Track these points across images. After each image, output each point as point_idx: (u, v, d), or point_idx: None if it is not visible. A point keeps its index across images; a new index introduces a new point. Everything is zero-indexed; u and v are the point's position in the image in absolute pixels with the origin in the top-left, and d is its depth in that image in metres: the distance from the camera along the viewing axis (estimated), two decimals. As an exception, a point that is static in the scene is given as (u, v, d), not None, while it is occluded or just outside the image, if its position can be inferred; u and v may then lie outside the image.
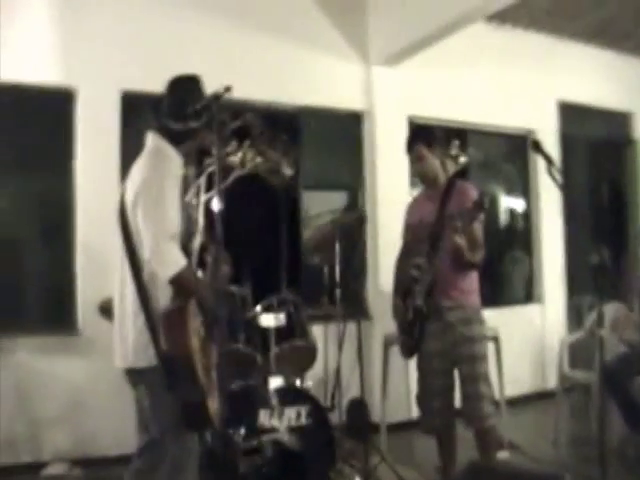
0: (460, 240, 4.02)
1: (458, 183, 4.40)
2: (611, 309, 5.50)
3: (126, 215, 2.95)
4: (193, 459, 3.08)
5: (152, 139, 3.10)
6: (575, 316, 7.39)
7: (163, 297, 2.90)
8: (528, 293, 7.70)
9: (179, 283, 2.85)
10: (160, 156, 3.02)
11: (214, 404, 2.91)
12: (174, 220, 2.89)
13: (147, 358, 2.86)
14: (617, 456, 4.95)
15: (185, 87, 3.10)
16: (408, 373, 4.49)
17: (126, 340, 2.95)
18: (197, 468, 3.11)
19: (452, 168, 6.69)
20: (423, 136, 4.43)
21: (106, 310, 3.27)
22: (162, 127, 3.07)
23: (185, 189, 3.20)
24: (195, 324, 2.89)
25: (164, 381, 2.79)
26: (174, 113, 3.04)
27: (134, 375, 2.99)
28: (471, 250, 4.15)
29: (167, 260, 2.79)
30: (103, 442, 5.23)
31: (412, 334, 4.32)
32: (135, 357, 2.91)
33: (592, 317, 5.91)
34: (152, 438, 3.00)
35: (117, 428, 5.04)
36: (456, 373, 4.31)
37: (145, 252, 2.82)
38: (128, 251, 2.92)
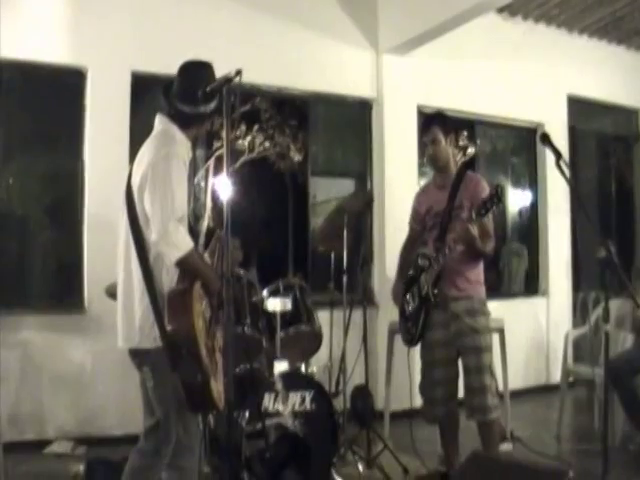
0: (473, 230, 4.01)
1: (469, 173, 4.39)
2: (617, 305, 5.49)
3: (133, 196, 2.94)
4: (197, 441, 3.08)
5: (161, 121, 3.09)
6: (580, 310, 7.37)
7: (168, 279, 2.90)
8: (533, 286, 7.69)
9: (186, 265, 2.85)
10: (168, 139, 3.01)
11: (218, 386, 2.91)
12: (182, 203, 2.89)
13: (152, 339, 2.86)
14: (619, 452, 4.95)
15: (196, 72, 3.08)
16: (412, 362, 4.49)
17: (131, 321, 2.94)
18: (201, 450, 3.12)
19: (460, 159, 6.69)
20: (440, 120, 4.42)
21: (113, 295, 3.26)
22: (172, 110, 3.06)
23: (194, 171, 3.19)
24: (200, 306, 2.89)
25: (168, 362, 2.78)
26: (184, 96, 3.02)
27: (139, 356, 2.99)
28: (482, 241, 4.14)
29: (174, 242, 2.79)
30: (107, 421, 5.25)
31: (416, 323, 4.31)
32: (140, 338, 2.91)
33: (597, 312, 5.90)
34: (157, 420, 2.99)
35: (121, 407, 5.06)
36: (460, 364, 4.30)
37: (152, 234, 2.82)
38: (134, 232, 2.91)
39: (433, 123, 4.40)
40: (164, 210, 2.81)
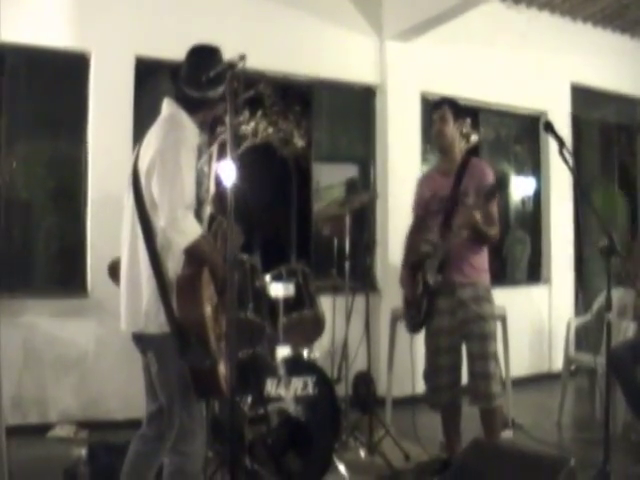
0: (478, 216, 4.02)
1: (474, 160, 4.40)
2: (619, 294, 5.49)
3: (139, 181, 2.92)
4: (200, 426, 3.07)
5: (168, 106, 3.07)
6: (583, 299, 7.38)
7: (175, 265, 2.89)
8: (536, 274, 7.69)
9: (194, 252, 2.85)
10: (176, 124, 2.98)
11: (224, 372, 2.90)
12: (190, 189, 2.88)
13: (158, 324, 2.85)
14: (620, 441, 4.96)
15: (205, 56, 3.05)
16: (414, 348, 4.49)
17: (137, 305, 2.93)
18: (205, 435, 3.12)
19: (464, 146, 6.68)
20: (451, 102, 4.44)
21: (114, 271, 3.25)
22: (179, 95, 3.04)
23: (197, 157, 3.18)
24: (208, 292, 2.88)
25: (175, 348, 2.77)
26: (192, 81, 3.00)
27: (143, 341, 2.98)
28: (486, 227, 4.15)
29: (183, 229, 2.78)
30: (110, 405, 5.26)
31: (420, 309, 4.32)
32: (146, 323, 2.89)
33: (600, 301, 5.90)
34: (160, 405, 2.99)
35: (124, 391, 5.06)
36: (464, 351, 4.31)
37: (160, 220, 2.81)
38: (141, 217, 2.89)
39: (444, 102, 4.43)
40: (173, 197, 2.79)
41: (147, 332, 2.91)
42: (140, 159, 2.97)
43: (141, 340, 2.99)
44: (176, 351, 2.77)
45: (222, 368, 2.88)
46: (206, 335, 2.76)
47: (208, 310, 2.82)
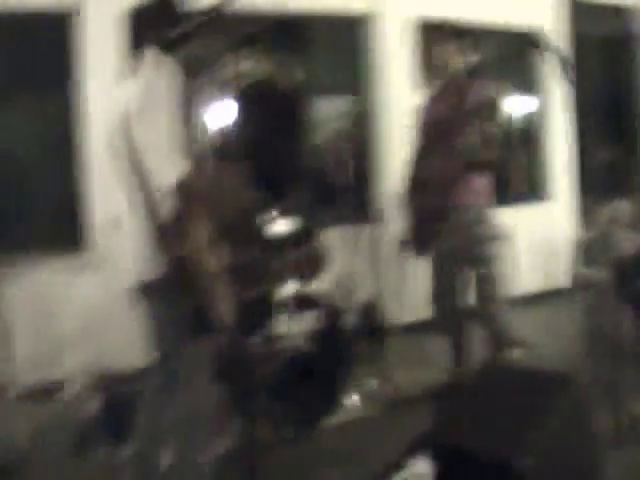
0: (475, 138, 3.99)
1: (472, 81, 4.35)
2: (624, 206, 5.47)
3: (128, 130, 2.92)
4: (207, 368, 3.14)
5: (149, 53, 3.04)
6: (587, 214, 7.37)
7: (170, 206, 2.86)
8: (538, 191, 7.67)
9: (185, 189, 2.84)
10: (156, 69, 2.97)
11: (225, 305, 2.95)
12: (177, 126, 2.86)
13: (156, 269, 2.88)
14: (630, 352, 5.01)
15: None
16: (420, 274, 4.52)
17: (132, 255, 2.99)
18: (210, 378, 3.18)
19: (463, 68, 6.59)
20: (448, 26, 4.40)
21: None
22: (154, 39, 3.02)
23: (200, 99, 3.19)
24: (202, 228, 2.89)
25: (171, 288, 2.82)
26: (164, 21, 3.00)
27: (143, 290, 3.01)
28: (485, 148, 4.13)
29: (174, 167, 2.79)
30: (123, 356, 5.26)
31: (424, 234, 4.33)
32: (144, 270, 2.94)
33: (605, 215, 5.88)
34: (165, 351, 3.04)
35: (133, 343, 5.09)
36: (469, 273, 4.34)
37: (150, 161, 2.83)
38: (133, 164, 2.91)
39: (440, 27, 4.39)
40: (159, 137, 2.80)
41: (147, 280, 2.94)
42: (130, 105, 2.95)
43: (141, 289, 3.02)
44: (173, 289, 2.81)
45: (224, 301, 2.91)
46: (200, 269, 2.79)
47: (201, 244, 2.82)
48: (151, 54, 3.02)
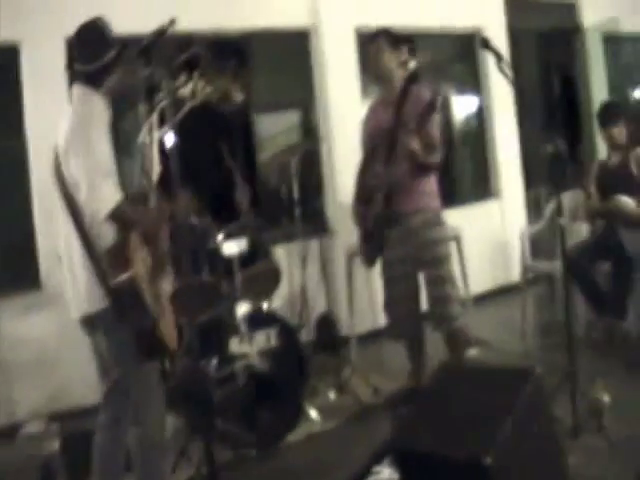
0: (414, 143, 4.02)
1: (413, 87, 4.38)
2: (569, 197, 5.56)
3: (61, 167, 2.97)
4: (158, 394, 3.16)
5: (75, 88, 3.10)
6: (534, 208, 7.46)
7: (108, 236, 2.92)
8: (486, 190, 7.70)
9: (117, 218, 2.88)
10: (82, 102, 3.04)
11: (168, 329, 2.99)
12: (105, 156, 2.93)
13: (99, 300, 2.90)
14: (584, 341, 5.08)
15: (88, 29, 3.10)
16: (372, 283, 4.53)
17: (78, 288, 2.99)
18: (163, 402, 3.20)
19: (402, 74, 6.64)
20: (385, 33, 4.42)
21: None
22: (80, 76, 3.08)
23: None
24: (140, 254, 2.94)
25: (115, 314, 2.84)
26: (84, 57, 3.06)
27: (90, 322, 3.03)
28: (428, 152, 4.16)
29: (102, 196, 2.82)
30: (79, 393, 5.13)
31: (373, 242, 4.35)
32: (88, 303, 2.95)
33: (551, 207, 5.97)
34: (114, 380, 3.05)
35: (91, 377, 5.01)
36: (421, 277, 4.36)
37: (81, 194, 2.85)
38: (66, 200, 2.94)
39: (379, 34, 4.43)
40: (89, 166, 2.85)
41: (91, 311, 2.96)
42: (59, 145, 3.01)
43: (88, 321, 3.04)
44: (115, 317, 2.83)
45: (166, 325, 2.97)
46: (141, 295, 2.82)
47: (141, 271, 2.87)
48: (78, 87, 3.07)
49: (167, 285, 3.23)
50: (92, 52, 3.03)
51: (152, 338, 2.88)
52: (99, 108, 3.03)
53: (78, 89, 3.07)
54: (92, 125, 2.93)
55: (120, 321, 2.83)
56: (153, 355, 3.03)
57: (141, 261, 2.93)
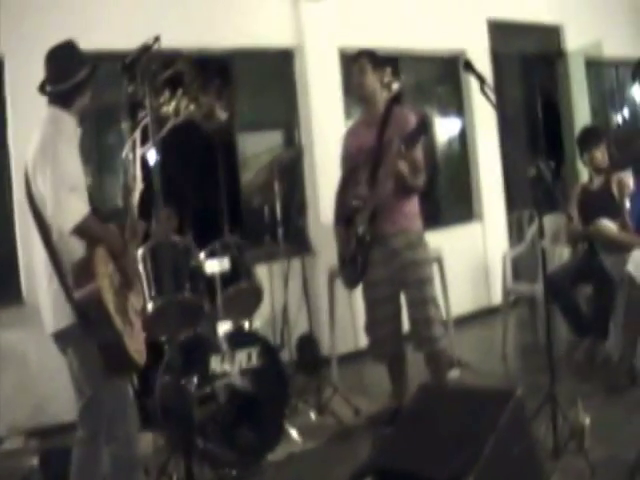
0: (402, 165, 4.03)
1: (396, 108, 4.40)
2: (551, 220, 5.59)
3: (30, 184, 3.00)
4: (130, 409, 3.17)
5: (47, 110, 3.14)
6: (516, 231, 7.50)
7: (77, 251, 2.94)
8: (467, 212, 7.73)
9: (82, 233, 2.89)
10: (50, 121, 3.07)
11: (136, 345, 2.98)
12: (72, 172, 2.95)
13: (67, 317, 2.91)
14: (566, 363, 5.09)
15: (59, 51, 3.14)
16: (354, 304, 4.52)
17: (48, 304, 3.01)
18: (136, 418, 3.21)
19: (386, 96, 6.68)
20: (369, 54, 4.44)
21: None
22: (51, 97, 3.12)
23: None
24: (105, 269, 2.93)
25: (80, 329, 2.84)
26: (55, 78, 3.09)
27: (60, 338, 3.03)
28: (413, 174, 4.17)
29: (67, 211, 2.83)
30: (58, 409, 5.09)
31: (355, 264, 4.34)
32: (56, 319, 2.97)
33: (532, 229, 6.00)
34: (89, 397, 3.05)
35: (70, 393, 4.97)
36: (403, 298, 4.36)
37: (48, 209, 2.87)
38: (35, 215, 2.97)
39: (362, 55, 4.43)
40: (55, 182, 2.86)
41: (60, 328, 2.97)
42: (28, 164, 3.03)
43: (59, 338, 3.04)
44: (82, 332, 2.83)
45: (134, 341, 2.96)
46: (106, 310, 2.80)
47: (106, 285, 2.86)
48: (49, 108, 3.12)
49: (137, 301, 3.24)
50: (62, 72, 3.07)
51: (118, 353, 2.85)
52: (69, 126, 3.07)
53: (49, 110, 3.11)
54: (60, 141, 2.96)
55: (85, 334, 2.83)
56: (120, 370, 3.01)
57: (107, 276, 2.93)
